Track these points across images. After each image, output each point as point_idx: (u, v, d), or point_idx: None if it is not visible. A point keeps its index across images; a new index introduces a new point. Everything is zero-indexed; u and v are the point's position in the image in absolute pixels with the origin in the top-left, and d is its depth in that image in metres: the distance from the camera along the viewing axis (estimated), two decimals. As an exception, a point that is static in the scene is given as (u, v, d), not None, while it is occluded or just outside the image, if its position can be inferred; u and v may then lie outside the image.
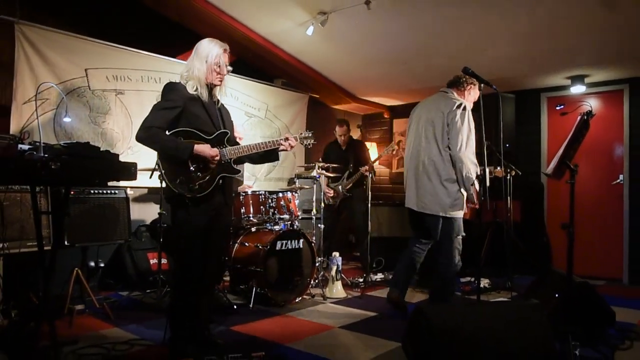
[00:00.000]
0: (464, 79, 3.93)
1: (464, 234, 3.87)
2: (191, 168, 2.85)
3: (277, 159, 3.28)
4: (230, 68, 3.03)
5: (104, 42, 4.72)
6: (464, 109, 3.76)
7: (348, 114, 8.03)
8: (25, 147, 2.47)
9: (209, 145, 2.90)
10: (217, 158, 2.91)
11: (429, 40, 5.28)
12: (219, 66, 2.96)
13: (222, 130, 3.01)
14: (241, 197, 4.44)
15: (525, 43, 5.07)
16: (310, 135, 3.28)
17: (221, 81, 3.02)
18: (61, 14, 4.74)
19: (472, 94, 3.95)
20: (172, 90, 2.89)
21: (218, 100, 3.10)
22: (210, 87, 3.02)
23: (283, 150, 3.14)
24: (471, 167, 3.71)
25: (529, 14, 4.48)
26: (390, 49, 5.51)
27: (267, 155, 3.18)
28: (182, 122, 2.87)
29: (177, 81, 2.98)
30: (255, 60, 6.20)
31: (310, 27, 4.99)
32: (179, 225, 2.95)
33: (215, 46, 2.97)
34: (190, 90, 2.90)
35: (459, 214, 3.79)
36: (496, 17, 4.62)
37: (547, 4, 4.28)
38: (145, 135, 2.79)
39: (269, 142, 3.09)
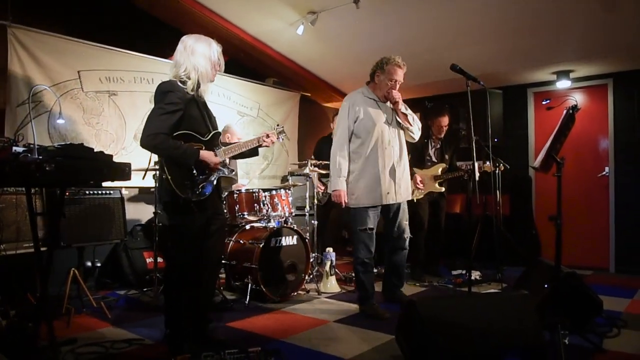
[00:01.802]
0: (373, 69, 3.91)
1: (368, 227, 3.84)
2: (194, 172, 2.85)
3: (257, 154, 3.42)
4: None
5: (96, 44, 4.74)
6: (341, 106, 3.97)
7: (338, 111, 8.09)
8: (20, 149, 2.47)
9: (212, 153, 2.92)
10: (218, 166, 2.95)
11: (416, 37, 5.34)
12: (219, 65, 3.01)
13: (216, 132, 3.03)
14: (235, 195, 4.48)
15: (511, 39, 5.14)
16: (282, 129, 3.49)
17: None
18: (53, 16, 4.75)
19: (382, 80, 3.84)
20: (172, 91, 2.81)
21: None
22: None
23: (265, 146, 3.31)
24: (330, 163, 3.92)
25: (515, 10, 4.55)
26: (378, 46, 5.55)
27: (249, 152, 3.31)
28: (182, 124, 2.84)
29: (171, 79, 2.90)
30: (246, 60, 6.24)
31: (301, 26, 5.05)
32: (183, 229, 2.93)
33: (213, 43, 2.98)
34: (189, 90, 2.87)
35: (355, 204, 3.86)
36: (482, 13, 4.69)
37: (533, 0, 4.36)
38: (153, 144, 2.73)
39: (253, 140, 3.26)
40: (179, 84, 2.86)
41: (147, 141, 2.72)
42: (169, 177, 2.78)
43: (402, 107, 3.87)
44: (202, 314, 3.07)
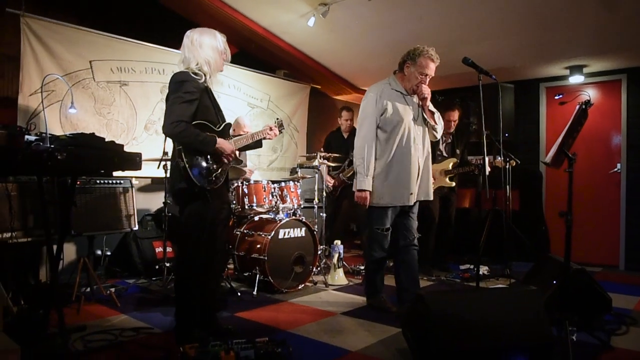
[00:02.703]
0: (403, 59, 3.64)
1: (386, 227, 3.64)
2: (209, 161, 2.91)
3: (260, 146, 3.50)
4: None
5: (108, 34, 4.76)
6: (365, 96, 3.68)
7: (349, 104, 8.04)
8: (32, 138, 2.50)
9: (228, 142, 2.98)
10: (234, 155, 3.02)
11: (428, 31, 5.30)
12: (225, 54, 3.05)
13: (227, 122, 3.09)
14: (244, 186, 4.50)
15: (524, 33, 5.08)
16: (281, 122, 3.56)
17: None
18: (66, 6, 4.77)
19: (412, 72, 3.56)
20: (188, 81, 2.85)
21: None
22: None
23: (269, 138, 3.38)
24: (356, 159, 3.63)
25: (528, 4, 4.50)
26: (390, 39, 5.53)
27: (254, 143, 3.38)
28: (197, 114, 2.88)
29: (183, 70, 2.93)
30: (257, 51, 6.24)
31: (312, 18, 5.03)
32: (195, 216, 2.94)
33: (217, 34, 3.02)
34: (202, 81, 2.92)
35: (376, 203, 3.61)
36: (495, 7, 4.64)
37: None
38: (177, 131, 2.76)
39: (259, 133, 3.33)
40: (192, 75, 2.90)
41: (171, 128, 2.76)
42: (187, 165, 2.81)
43: (430, 104, 3.63)
44: (210, 302, 3.10)
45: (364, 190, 3.56)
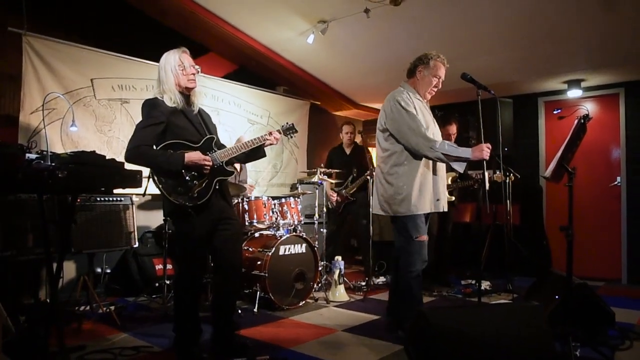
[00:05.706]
0: (414, 64, 3.58)
1: (423, 236, 3.41)
2: (186, 177, 2.87)
3: (264, 155, 3.34)
4: (198, 67, 3.05)
5: (109, 53, 4.80)
6: (396, 100, 3.40)
7: (349, 120, 8.10)
8: (33, 156, 2.50)
9: (199, 152, 2.93)
10: (209, 163, 2.93)
11: (426, 47, 5.27)
12: (183, 67, 2.99)
13: (209, 137, 3.05)
14: (245, 202, 4.50)
15: (522, 48, 5.12)
16: (291, 125, 3.40)
17: (194, 82, 3.04)
18: (68, 25, 4.81)
19: (426, 76, 3.52)
20: (153, 106, 2.90)
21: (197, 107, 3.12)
22: (187, 94, 3.05)
23: (270, 144, 3.22)
24: (429, 152, 3.27)
25: (526, 19, 4.54)
26: (389, 56, 5.57)
27: (254, 153, 3.24)
28: (168, 136, 2.89)
29: (154, 97, 2.98)
30: (257, 68, 6.29)
31: (311, 35, 5.08)
32: (183, 236, 2.98)
33: (172, 53, 3.02)
34: (169, 103, 2.92)
35: (409, 211, 3.35)
36: (493, 23, 4.68)
37: (544, 9, 4.35)
38: (135, 155, 2.80)
39: (254, 139, 3.16)
40: (160, 98, 2.95)
41: (130, 154, 2.81)
42: (160, 186, 2.84)
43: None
44: (225, 319, 3.07)
45: (471, 152, 3.27)
